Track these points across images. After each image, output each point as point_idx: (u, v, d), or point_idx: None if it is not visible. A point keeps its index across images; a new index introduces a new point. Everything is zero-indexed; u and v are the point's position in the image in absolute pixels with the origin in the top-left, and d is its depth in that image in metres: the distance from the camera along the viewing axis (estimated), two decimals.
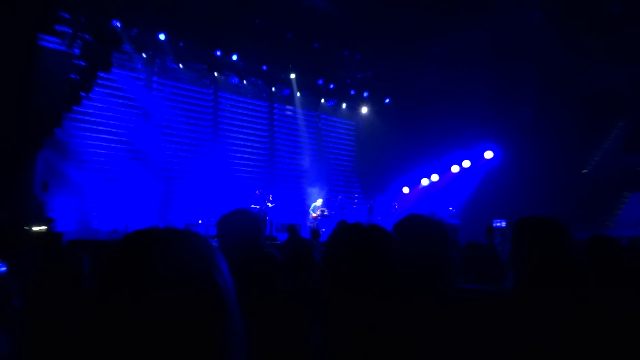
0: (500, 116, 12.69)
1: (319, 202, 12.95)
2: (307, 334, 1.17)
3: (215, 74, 12.89)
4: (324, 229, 11.47)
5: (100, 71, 10.18)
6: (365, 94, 15.82)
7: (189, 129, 12.64)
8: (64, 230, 7.89)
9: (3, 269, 2.36)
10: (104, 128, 11.06)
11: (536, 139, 12.20)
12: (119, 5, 10.16)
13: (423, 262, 1.31)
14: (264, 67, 13.48)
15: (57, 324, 1.50)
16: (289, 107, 14.99)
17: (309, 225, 12.39)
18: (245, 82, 13.44)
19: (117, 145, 11.21)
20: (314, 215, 12.69)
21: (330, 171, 15.68)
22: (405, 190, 15.54)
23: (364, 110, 16.34)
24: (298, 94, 14.57)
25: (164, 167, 11.99)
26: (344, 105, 16.03)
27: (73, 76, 9.64)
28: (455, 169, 14.75)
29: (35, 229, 7.02)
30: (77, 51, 9.75)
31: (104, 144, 11.02)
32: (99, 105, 10.94)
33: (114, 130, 11.21)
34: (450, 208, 13.35)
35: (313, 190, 14.29)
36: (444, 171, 14.96)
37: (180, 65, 12.30)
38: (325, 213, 12.76)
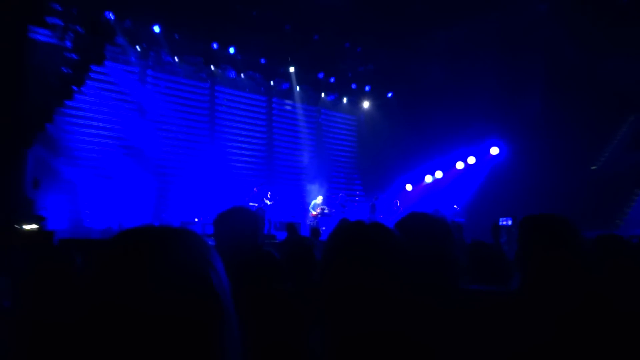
0: (507, 111, 12.67)
1: (319, 199, 12.95)
2: (307, 336, 1.17)
3: (212, 67, 12.86)
4: (324, 228, 11.49)
5: (93, 64, 10.15)
6: (367, 88, 15.79)
7: (184, 124, 12.63)
8: (56, 229, 7.88)
9: None
10: (97, 123, 11.06)
11: (543, 134, 12.19)
12: None
13: (426, 262, 1.30)
14: (262, 60, 13.45)
15: (48, 325, 1.50)
16: (288, 101, 14.97)
17: (308, 223, 12.40)
18: (242, 75, 13.42)
19: (111, 141, 11.21)
20: (313, 213, 12.70)
21: (331, 168, 15.68)
22: (408, 187, 15.54)
23: (366, 104, 16.32)
24: (297, 88, 14.55)
25: (159, 164, 12.00)
26: (345, 100, 16.01)
27: (65, 70, 9.63)
28: (459, 165, 14.74)
29: (25, 227, 7.02)
30: (68, 44, 9.73)
31: (96, 139, 11.02)
32: (92, 99, 10.93)
33: (107, 125, 11.20)
34: (455, 206, 13.35)
35: (313, 188, 14.29)
36: (448, 168, 14.95)
37: (176, 59, 12.27)
38: (326, 211, 12.77)
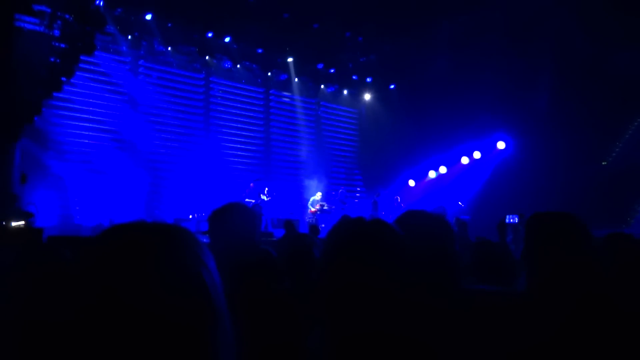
0: (514, 104, 12.66)
1: (318, 195, 12.96)
2: (305, 336, 1.17)
3: (207, 57, 12.83)
4: (323, 225, 11.49)
5: (83, 54, 10.09)
6: (368, 80, 15.77)
7: (178, 116, 12.61)
8: (45, 226, 7.89)
9: None
10: (87, 116, 11.04)
11: (552, 128, 12.19)
12: None
13: (428, 261, 1.31)
14: (259, 50, 13.42)
15: (36, 325, 1.51)
16: (286, 93, 14.94)
17: (307, 220, 12.42)
18: (239, 66, 13.38)
19: (101, 135, 11.20)
20: (312, 209, 12.71)
21: (331, 163, 15.67)
22: (411, 183, 15.55)
23: (367, 97, 16.30)
24: (296, 80, 14.51)
25: (151, 158, 11.98)
26: (345, 92, 15.99)
27: (53, 60, 9.57)
28: (465, 160, 14.75)
29: (13, 224, 7.02)
30: (57, 32, 9.66)
31: (86, 133, 11.01)
32: (81, 91, 10.90)
33: (98, 118, 11.18)
34: (460, 203, 13.37)
35: (312, 183, 14.28)
36: (452, 163, 14.96)
37: (169, 48, 12.23)
38: (325, 207, 12.78)
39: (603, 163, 13.16)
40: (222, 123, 13.53)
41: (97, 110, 11.19)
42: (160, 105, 12.30)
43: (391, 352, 0.99)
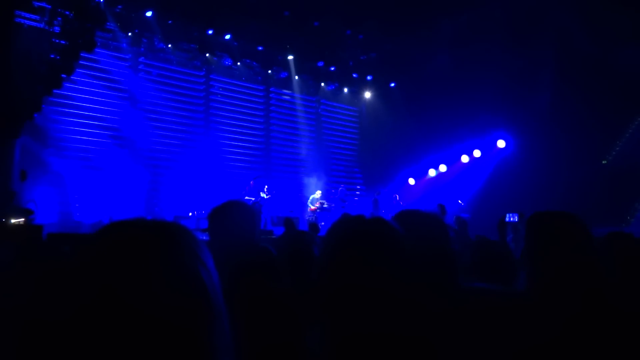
0: (514, 102, 12.64)
1: (318, 193, 12.96)
2: (305, 336, 1.17)
3: (207, 54, 12.81)
4: (323, 223, 11.50)
5: (83, 51, 10.08)
6: (368, 78, 15.75)
7: (178, 114, 12.59)
8: (45, 223, 7.90)
9: None
10: (87, 113, 11.02)
11: (553, 126, 12.17)
12: None
13: (426, 260, 1.30)
14: (260, 48, 13.40)
15: (35, 323, 1.51)
16: (286, 91, 14.93)
17: (307, 218, 12.43)
18: (239, 63, 13.38)
19: (101, 132, 11.18)
20: (312, 207, 12.72)
21: (331, 161, 15.67)
22: (411, 181, 15.54)
23: (368, 94, 16.28)
24: (296, 77, 14.50)
25: (151, 155, 11.98)
26: (345, 90, 15.97)
27: (53, 56, 9.56)
28: (465, 159, 14.74)
29: (13, 221, 7.02)
30: (57, 29, 9.65)
31: (86, 130, 10.99)
32: (81, 88, 10.89)
33: (98, 115, 11.16)
34: (460, 201, 13.37)
35: (312, 181, 14.29)
36: (452, 161, 14.95)
37: (169, 45, 12.22)
38: (325, 205, 12.79)
39: (603, 162, 13.15)
40: (222, 120, 13.51)
41: (97, 107, 11.17)
42: (160, 102, 12.29)
43: (391, 352, 0.99)
